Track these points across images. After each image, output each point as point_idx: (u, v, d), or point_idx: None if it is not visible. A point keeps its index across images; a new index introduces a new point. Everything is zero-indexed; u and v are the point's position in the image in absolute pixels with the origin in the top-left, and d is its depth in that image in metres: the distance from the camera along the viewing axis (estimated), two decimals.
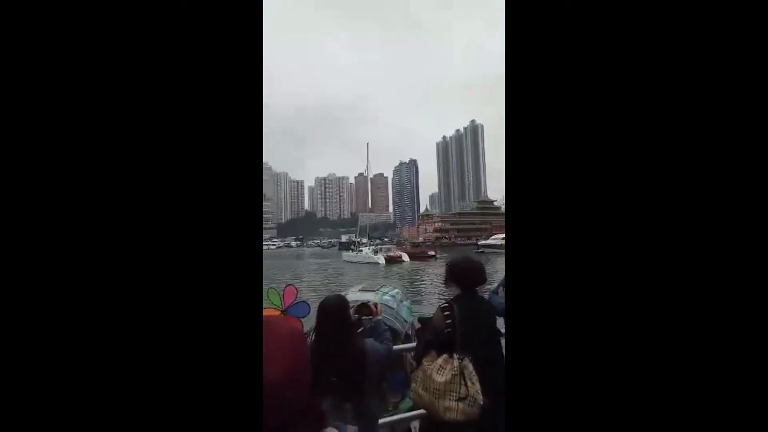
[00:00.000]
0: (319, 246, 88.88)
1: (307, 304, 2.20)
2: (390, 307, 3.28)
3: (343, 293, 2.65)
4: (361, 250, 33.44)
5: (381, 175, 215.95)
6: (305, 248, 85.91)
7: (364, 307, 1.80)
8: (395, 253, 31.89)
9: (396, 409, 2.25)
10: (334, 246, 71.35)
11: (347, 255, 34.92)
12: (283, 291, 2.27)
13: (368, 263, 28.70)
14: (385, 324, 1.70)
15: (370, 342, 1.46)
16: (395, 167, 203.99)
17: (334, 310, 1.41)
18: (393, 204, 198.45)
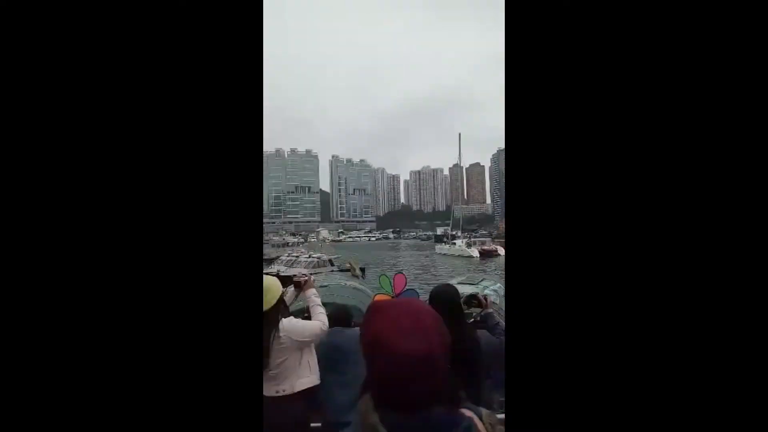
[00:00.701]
0: (416, 238, 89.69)
1: (416, 291, 2.35)
2: (493, 302, 3.20)
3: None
4: (454, 243, 32.96)
5: (477, 164, 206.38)
6: (402, 240, 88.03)
7: (472, 298, 1.74)
8: (490, 246, 30.91)
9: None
10: (431, 238, 71.13)
11: (440, 247, 34.59)
12: (393, 278, 2.69)
13: (461, 256, 28.18)
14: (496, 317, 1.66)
15: (483, 333, 1.48)
16: (493, 154, 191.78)
17: (447, 298, 1.44)
18: (491, 194, 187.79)
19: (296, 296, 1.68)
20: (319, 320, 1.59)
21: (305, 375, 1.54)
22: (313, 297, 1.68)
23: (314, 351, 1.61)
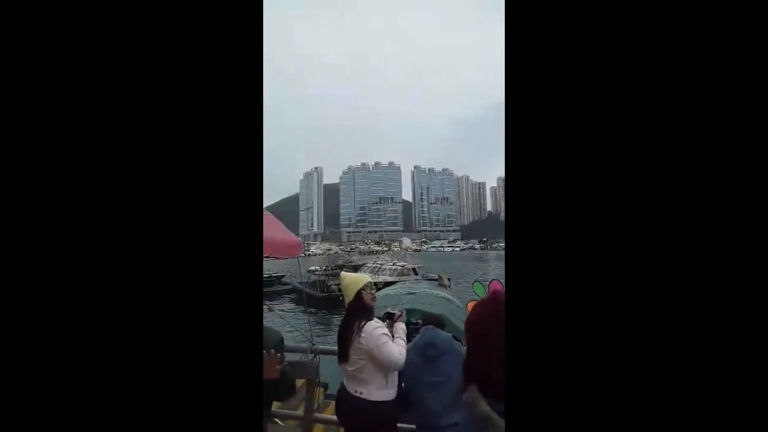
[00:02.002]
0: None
1: None
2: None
3: None
4: None
5: None
6: (489, 251, 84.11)
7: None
8: None
9: None
10: None
11: None
12: (489, 284, 2.57)
13: None
14: None
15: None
16: None
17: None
18: None
19: (391, 327, 1.71)
20: (400, 346, 1.61)
21: (384, 388, 1.59)
22: (401, 331, 1.71)
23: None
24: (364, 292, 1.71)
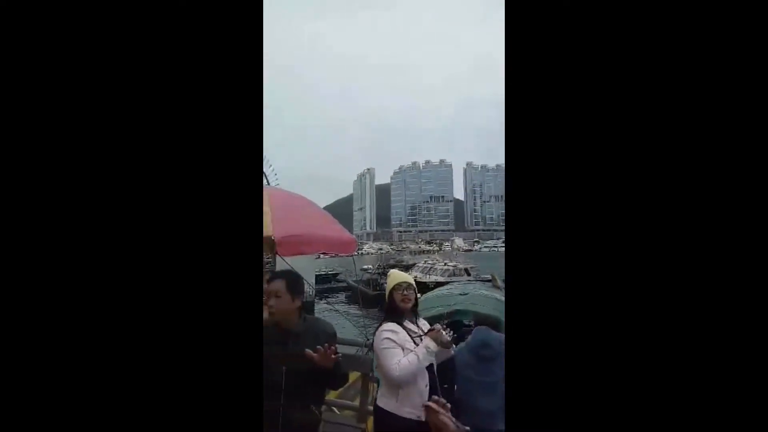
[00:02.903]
0: None
1: None
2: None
3: None
4: None
5: None
6: None
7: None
8: None
9: None
10: None
11: None
12: None
13: None
14: None
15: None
16: None
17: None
18: None
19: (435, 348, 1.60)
20: (404, 358, 1.48)
21: (389, 397, 1.51)
22: (423, 346, 1.52)
23: (423, 378, 1.53)
24: (395, 292, 1.62)
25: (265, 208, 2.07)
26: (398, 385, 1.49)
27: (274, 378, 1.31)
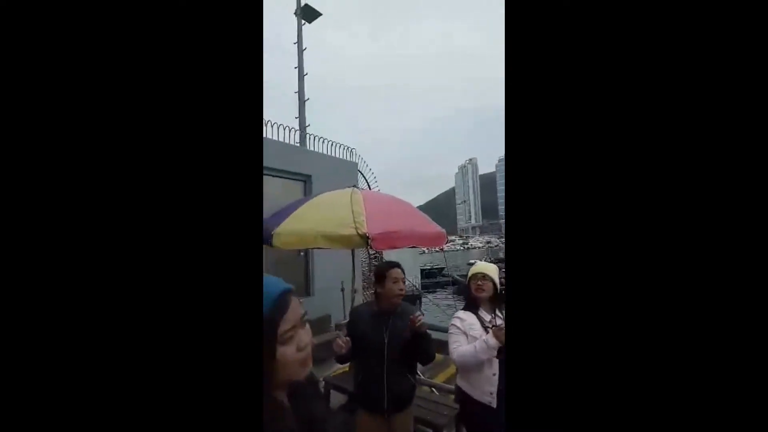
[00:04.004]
0: None
1: None
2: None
3: None
4: None
5: None
6: None
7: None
8: None
9: None
10: None
11: None
12: None
13: None
14: None
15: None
16: None
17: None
18: None
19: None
20: (462, 345, 1.66)
21: (468, 383, 1.68)
22: (482, 341, 1.62)
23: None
24: (471, 282, 1.75)
25: (359, 209, 2.35)
26: (467, 369, 1.61)
27: (377, 347, 1.61)
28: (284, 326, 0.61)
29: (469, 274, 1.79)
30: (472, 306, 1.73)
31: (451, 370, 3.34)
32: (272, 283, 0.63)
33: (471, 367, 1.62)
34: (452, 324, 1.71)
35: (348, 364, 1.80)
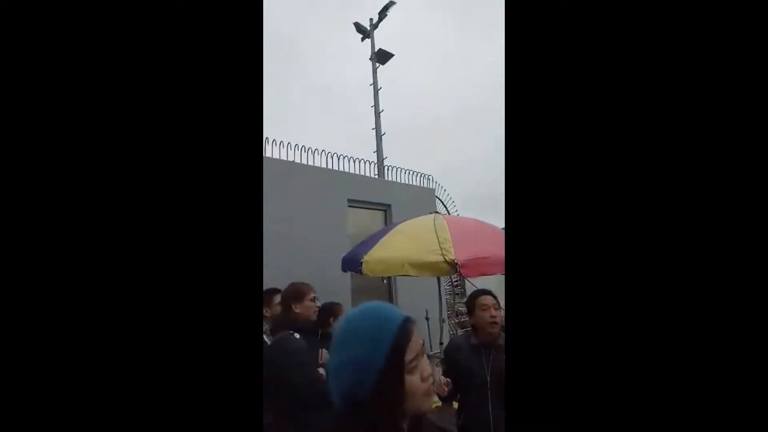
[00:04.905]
0: None
1: None
2: None
3: None
4: None
5: None
6: None
7: None
8: None
9: None
10: None
11: None
12: None
13: None
14: None
15: None
16: None
17: None
18: None
19: None
20: None
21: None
22: None
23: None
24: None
25: (445, 235, 2.29)
26: None
27: (480, 384, 1.49)
28: (409, 355, 0.58)
29: None
30: None
31: None
32: (391, 310, 0.62)
33: None
34: None
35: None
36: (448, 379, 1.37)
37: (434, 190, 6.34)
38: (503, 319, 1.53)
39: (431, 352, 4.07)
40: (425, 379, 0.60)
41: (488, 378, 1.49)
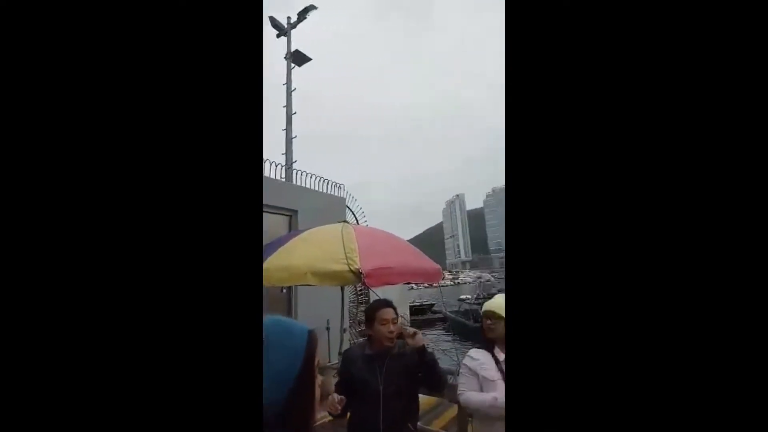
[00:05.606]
0: None
1: None
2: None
3: None
4: None
5: None
6: None
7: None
8: None
9: None
10: None
11: None
12: None
13: None
14: None
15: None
16: None
17: None
18: None
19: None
20: (474, 394, 1.55)
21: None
22: (500, 399, 1.46)
23: None
24: (483, 321, 1.63)
25: (352, 245, 2.24)
26: (490, 418, 1.45)
27: (372, 394, 1.48)
28: (318, 360, 0.65)
29: (483, 311, 1.68)
30: (484, 344, 1.61)
31: (450, 413, 3.10)
32: (294, 323, 0.67)
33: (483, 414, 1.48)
34: (463, 363, 1.60)
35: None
36: (342, 397, 1.32)
37: (345, 199, 6.31)
38: (399, 329, 1.55)
39: (329, 363, 3.94)
40: (320, 386, 0.67)
41: (380, 387, 1.48)
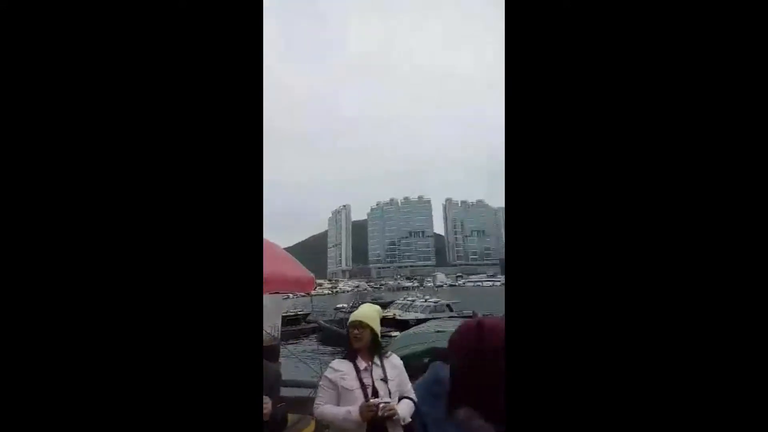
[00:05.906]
0: None
1: None
2: None
3: None
4: None
5: None
6: None
7: None
8: None
9: None
10: None
11: None
12: None
13: None
14: None
15: None
16: None
17: None
18: None
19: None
20: (332, 408, 1.50)
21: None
22: (354, 413, 1.44)
23: None
24: (349, 330, 1.63)
25: None
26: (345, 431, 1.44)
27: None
28: None
29: (348, 322, 1.66)
30: (349, 354, 1.59)
31: (310, 429, 3.01)
32: None
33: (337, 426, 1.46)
34: (324, 375, 1.56)
35: None
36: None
37: None
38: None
39: None
40: None
41: None
